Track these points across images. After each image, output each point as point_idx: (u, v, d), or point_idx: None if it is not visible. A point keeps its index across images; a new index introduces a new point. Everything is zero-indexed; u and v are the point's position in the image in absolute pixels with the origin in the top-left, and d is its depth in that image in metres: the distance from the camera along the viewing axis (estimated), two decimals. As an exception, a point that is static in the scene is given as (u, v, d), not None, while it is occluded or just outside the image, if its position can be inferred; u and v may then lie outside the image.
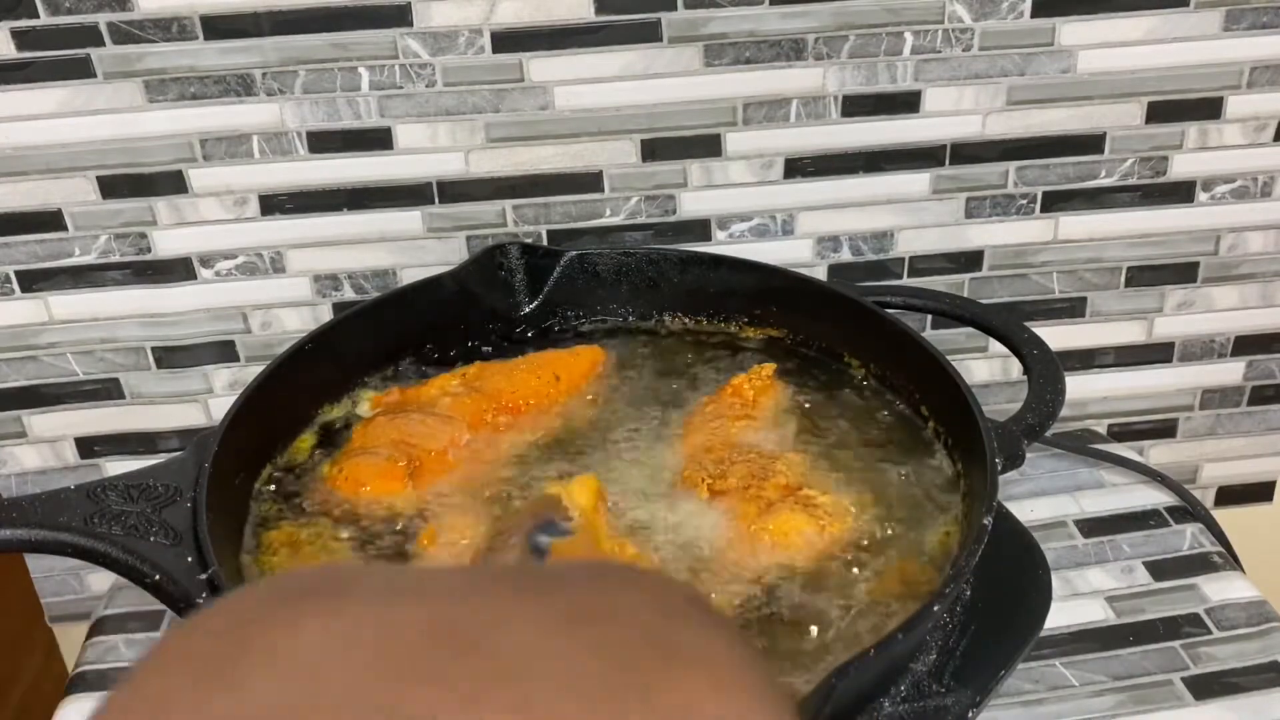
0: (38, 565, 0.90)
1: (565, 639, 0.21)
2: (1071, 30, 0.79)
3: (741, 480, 0.63)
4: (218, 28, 0.73)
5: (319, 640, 0.21)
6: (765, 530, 0.60)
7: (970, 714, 0.54)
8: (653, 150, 0.80)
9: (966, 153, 0.82)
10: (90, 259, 0.80)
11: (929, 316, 0.85)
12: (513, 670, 0.21)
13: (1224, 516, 0.83)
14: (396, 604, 0.22)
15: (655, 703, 0.21)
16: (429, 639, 0.21)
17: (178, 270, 0.81)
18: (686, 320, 0.78)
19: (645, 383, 0.73)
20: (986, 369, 0.91)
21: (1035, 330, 0.72)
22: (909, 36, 0.78)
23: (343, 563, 0.25)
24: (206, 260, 0.81)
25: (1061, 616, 0.73)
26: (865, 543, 0.61)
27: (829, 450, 0.67)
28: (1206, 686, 0.69)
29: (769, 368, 0.72)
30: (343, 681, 0.20)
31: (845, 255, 0.85)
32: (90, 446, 0.86)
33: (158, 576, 0.54)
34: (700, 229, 0.83)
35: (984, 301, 0.81)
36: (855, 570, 0.60)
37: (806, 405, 0.71)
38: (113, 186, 0.77)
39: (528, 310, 0.78)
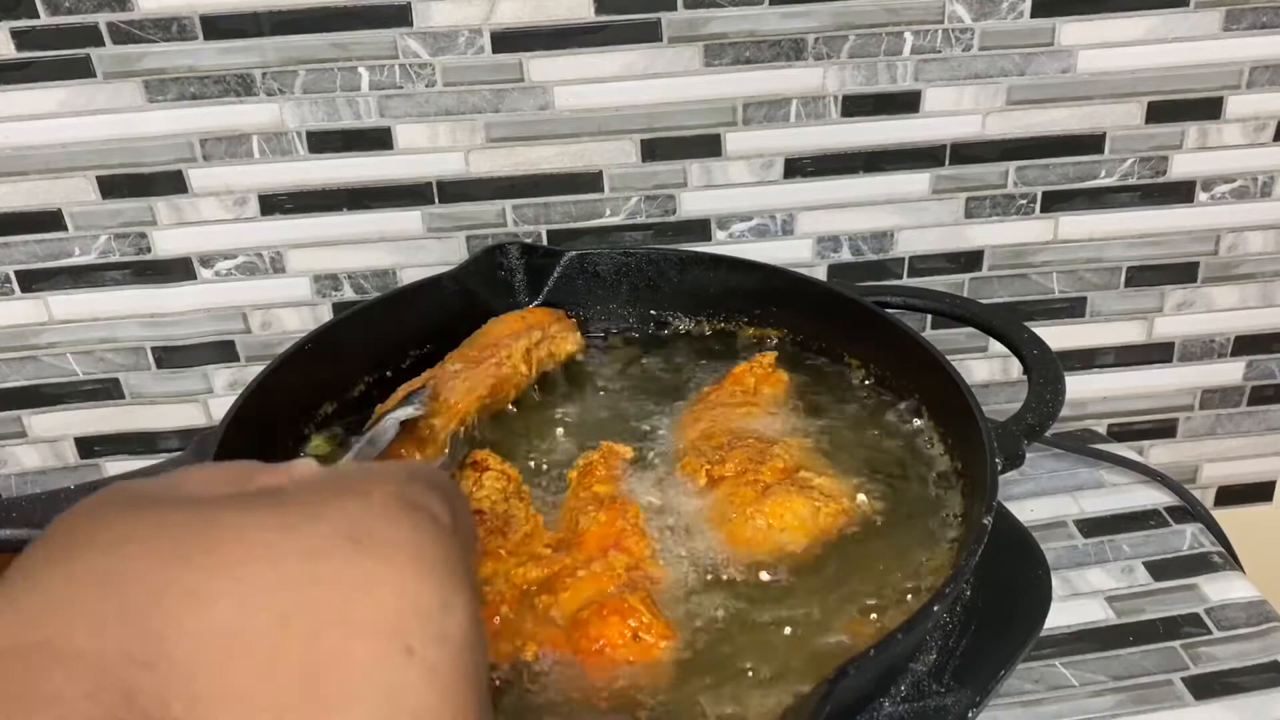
0: (38, 565, 0.90)
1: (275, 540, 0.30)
2: (1071, 30, 0.79)
3: (739, 465, 0.63)
4: (218, 28, 0.73)
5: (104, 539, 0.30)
6: (761, 513, 0.61)
7: (970, 714, 0.54)
8: (653, 150, 0.80)
9: (966, 153, 0.82)
10: (90, 259, 0.80)
11: (929, 316, 0.85)
12: (233, 559, 0.30)
13: (1224, 516, 0.83)
14: (166, 511, 0.31)
15: (334, 579, 0.30)
16: (177, 540, 0.30)
17: (178, 270, 0.81)
18: (686, 320, 0.78)
19: (645, 382, 0.73)
20: (986, 369, 0.91)
21: (1035, 330, 0.72)
22: (909, 36, 0.78)
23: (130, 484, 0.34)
24: (206, 260, 0.81)
25: (1061, 616, 0.73)
26: (859, 530, 0.61)
27: (828, 441, 0.68)
28: (1206, 686, 0.69)
29: (770, 356, 0.72)
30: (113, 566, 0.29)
31: (845, 255, 0.85)
32: (90, 446, 0.86)
33: (158, 576, 0.54)
34: (700, 229, 0.83)
35: (984, 301, 0.81)
36: (851, 558, 0.60)
37: (806, 400, 0.71)
38: (113, 186, 0.77)
39: (528, 310, 0.78)
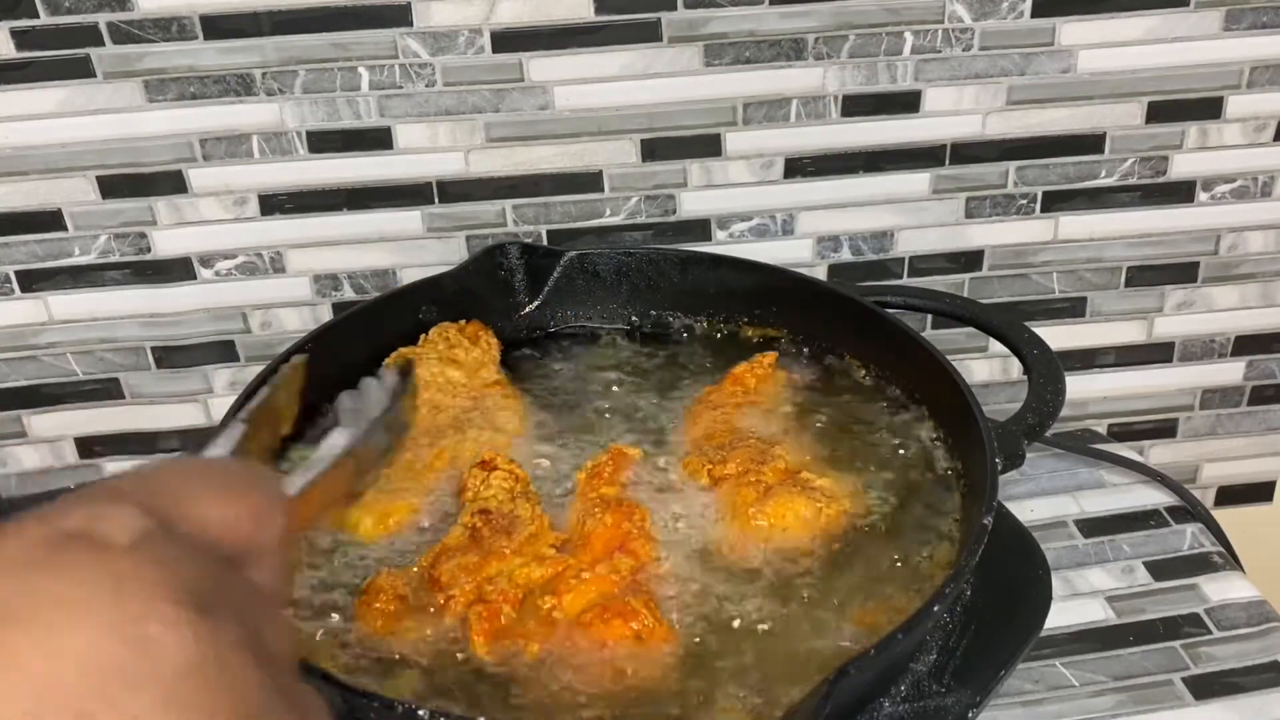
0: (38, 565, 0.90)
1: None
2: (1071, 30, 0.79)
3: (741, 465, 0.63)
4: (218, 27, 0.73)
5: None
6: (763, 513, 0.61)
7: (970, 714, 0.54)
8: (653, 150, 0.80)
9: (966, 153, 0.82)
10: (90, 259, 0.80)
11: (929, 316, 0.85)
12: None
13: (1224, 516, 0.83)
14: None
15: None
16: None
17: (177, 270, 0.81)
18: (686, 320, 0.78)
19: (645, 383, 0.73)
20: (986, 369, 0.91)
21: (1035, 330, 0.72)
22: (909, 36, 0.78)
23: None
24: (206, 260, 0.81)
25: (1061, 616, 0.73)
26: (860, 531, 0.61)
27: (828, 441, 0.68)
28: (1206, 686, 0.69)
29: (770, 356, 0.73)
30: None
31: (845, 255, 0.85)
32: (90, 446, 0.86)
33: (158, 576, 0.54)
34: (700, 229, 0.83)
35: (984, 301, 0.81)
36: (851, 559, 0.60)
37: (806, 400, 0.71)
38: (113, 186, 0.77)
39: (528, 310, 0.78)
